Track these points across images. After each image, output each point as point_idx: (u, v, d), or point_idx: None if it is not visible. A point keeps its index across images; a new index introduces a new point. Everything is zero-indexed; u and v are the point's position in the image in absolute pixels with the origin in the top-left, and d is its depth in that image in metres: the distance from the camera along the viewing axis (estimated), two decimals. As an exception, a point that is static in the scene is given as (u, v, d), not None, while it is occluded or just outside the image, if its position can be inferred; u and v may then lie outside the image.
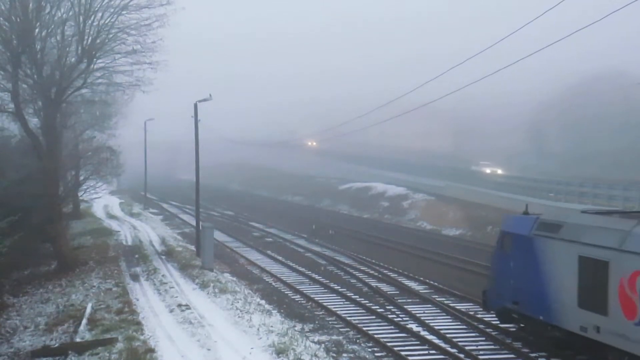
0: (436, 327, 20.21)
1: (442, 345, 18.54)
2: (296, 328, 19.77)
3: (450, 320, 21.37)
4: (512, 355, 17.79)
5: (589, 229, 16.05)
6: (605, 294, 14.97)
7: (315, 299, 24.53)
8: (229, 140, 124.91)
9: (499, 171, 60.62)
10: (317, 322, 21.25)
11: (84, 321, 19.99)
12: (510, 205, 43.62)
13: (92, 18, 28.91)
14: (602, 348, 15.43)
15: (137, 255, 32.69)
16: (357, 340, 19.19)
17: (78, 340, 18.41)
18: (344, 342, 18.85)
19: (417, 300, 24.04)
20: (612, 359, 15.35)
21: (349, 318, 21.53)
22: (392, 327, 20.66)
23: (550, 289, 16.95)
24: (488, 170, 61.42)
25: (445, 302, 23.44)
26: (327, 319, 21.82)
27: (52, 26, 28.86)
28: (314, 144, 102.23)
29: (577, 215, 17.61)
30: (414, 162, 73.87)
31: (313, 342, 18.10)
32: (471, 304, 23.03)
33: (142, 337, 17.70)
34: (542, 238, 17.31)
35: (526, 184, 50.50)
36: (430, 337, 19.35)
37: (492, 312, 20.25)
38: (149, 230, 44.43)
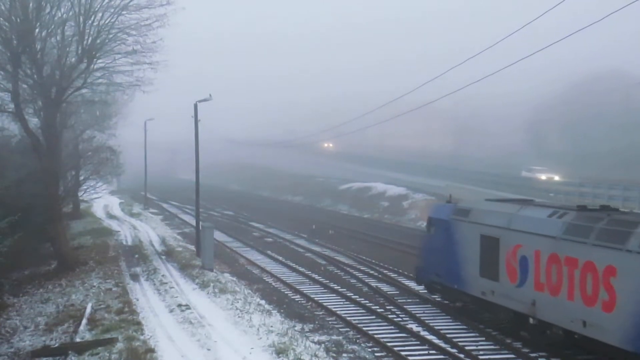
0: (436, 327, 20.23)
1: (442, 345, 18.55)
2: (296, 328, 19.78)
3: (450, 320, 21.38)
4: (512, 355, 17.79)
5: (488, 213, 20.14)
6: (497, 265, 19.06)
7: (315, 299, 24.53)
8: (229, 140, 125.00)
9: (556, 177, 52.82)
10: (317, 322, 21.25)
11: (84, 321, 20.00)
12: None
13: (92, 18, 28.92)
14: (496, 308, 19.52)
15: (137, 255, 32.70)
16: (357, 340, 19.20)
17: (78, 340, 18.42)
18: (344, 342, 18.86)
19: (417, 300, 24.04)
20: (502, 316, 19.48)
21: (349, 318, 21.54)
22: (392, 327, 20.67)
23: (461, 262, 20.88)
24: (543, 177, 53.66)
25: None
26: (327, 319, 21.82)
27: (52, 26, 28.87)
28: (331, 145, 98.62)
29: (482, 203, 22.14)
30: (414, 162, 73.95)
31: (313, 342, 18.11)
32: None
33: (142, 337, 17.71)
34: (456, 221, 21.26)
35: (526, 183, 50.53)
36: (430, 337, 19.36)
37: (422, 285, 23.79)
38: (149, 230, 44.44)
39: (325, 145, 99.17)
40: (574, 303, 16.34)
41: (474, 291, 20.39)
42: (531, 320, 18.02)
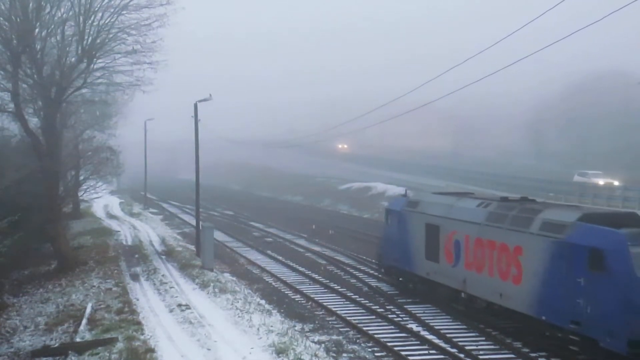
0: (436, 327, 20.23)
1: (442, 345, 18.55)
2: (296, 328, 19.79)
3: (450, 320, 21.38)
4: (512, 355, 17.80)
5: (432, 204, 23.53)
6: (437, 249, 22.44)
7: (315, 298, 24.54)
8: (229, 140, 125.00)
9: (615, 182, 48.55)
10: (317, 321, 21.26)
11: (84, 321, 19.99)
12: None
13: (92, 18, 28.89)
14: (437, 285, 22.98)
15: (137, 255, 32.69)
16: (357, 340, 19.20)
17: (78, 340, 18.42)
18: (344, 342, 18.87)
19: (417, 300, 24.03)
20: (440, 291, 22.88)
21: (349, 318, 21.55)
22: (392, 326, 20.67)
23: (411, 248, 24.16)
24: (601, 182, 48.56)
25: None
26: (327, 318, 21.83)
27: (52, 26, 28.84)
28: (345, 147, 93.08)
29: (428, 195, 25.80)
30: (414, 162, 73.96)
31: (313, 342, 18.12)
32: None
33: (142, 337, 17.71)
34: (407, 212, 24.67)
35: (526, 183, 50.57)
36: (430, 336, 19.36)
37: (382, 269, 27.15)
38: (149, 230, 44.43)
39: (340, 146, 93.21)
40: (493, 279, 19.78)
41: (420, 272, 23.83)
42: (463, 295, 21.55)
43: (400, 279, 25.59)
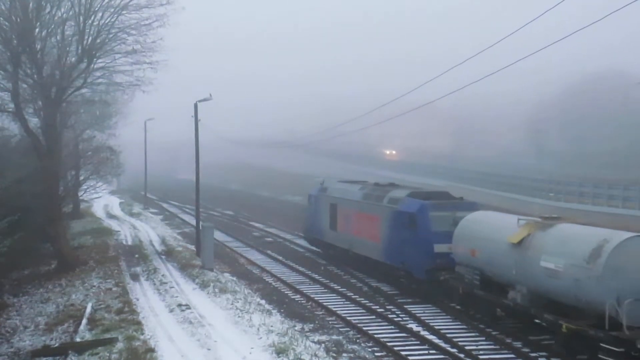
0: (436, 327, 20.23)
1: (442, 345, 18.55)
2: (296, 328, 19.78)
3: (450, 320, 21.38)
4: (512, 355, 17.81)
5: (334, 189, 32.86)
6: (336, 221, 31.06)
7: (315, 298, 24.54)
8: (229, 140, 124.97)
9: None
10: (317, 321, 21.26)
11: (84, 321, 20.00)
12: (508, 205, 43.66)
13: (92, 18, 28.90)
14: (335, 248, 31.49)
15: (137, 255, 32.69)
16: (357, 340, 19.20)
17: (78, 340, 18.43)
18: (344, 341, 18.87)
19: (417, 300, 24.03)
20: (333, 252, 32.00)
21: (349, 318, 21.55)
22: (392, 326, 20.68)
23: (322, 222, 32.84)
24: None
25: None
26: (327, 318, 21.83)
27: (52, 26, 28.85)
28: (394, 153, 79.82)
29: (334, 183, 34.68)
30: (414, 162, 73.88)
31: (313, 341, 18.11)
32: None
33: (142, 337, 17.71)
34: (320, 195, 33.77)
35: (527, 183, 50.55)
36: (430, 336, 19.36)
37: (307, 240, 36.36)
38: (149, 230, 44.43)
39: (388, 152, 79.75)
40: (367, 240, 27.97)
41: (327, 239, 32.63)
42: (350, 253, 29.81)
43: (320, 246, 34.44)
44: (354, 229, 29.36)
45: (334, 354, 17.46)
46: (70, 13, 28.86)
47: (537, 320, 18.78)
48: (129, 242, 38.29)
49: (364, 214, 28.38)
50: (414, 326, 20.51)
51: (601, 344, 15.48)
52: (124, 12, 29.10)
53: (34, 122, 31.69)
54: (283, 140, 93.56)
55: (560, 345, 17.12)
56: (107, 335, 18.15)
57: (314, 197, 34.47)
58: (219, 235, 39.07)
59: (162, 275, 27.16)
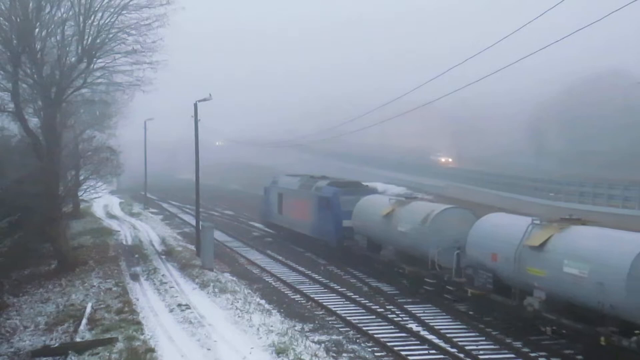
0: (436, 327, 20.23)
1: (442, 345, 18.55)
2: (296, 328, 19.79)
3: (450, 320, 21.39)
4: (512, 355, 17.81)
5: (281, 182, 41.15)
6: (282, 207, 38.85)
7: (315, 298, 24.54)
8: (229, 140, 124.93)
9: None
10: (317, 321, 21.26)
11: (84, 321, 19.99)
12: (508, 205, 43.63)
13: (92, 18, 28.88)
14: (281, 227, 39.90)
15: (137, 255, 32.68)
16: (357, 340, 19.20)
17: (78, 340, 18.42)
18: (344, 341, 18.87)
19: (417, 300, 24.04)
20: (282, 232, 39.91)
21: (349, 318, 21.55)
22: (392, 326, 20.68)
23: (272, 207, 40.93)
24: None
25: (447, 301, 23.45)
26: (327, 318, 21.83)
27: (52, 26, 28.84)
28: (450, 160, 72.10)
29: (282, 176, 43.18)
30: (414, 162, 73.81)
31: (313, 341, 18.11)
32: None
33: (142, 337, 17.70)
34: (272, 186, 42.03)
35: (526, 183, 50.53)
36: (430, 336, 19.36)
37: (263, 224, 44.77)
38: (149, 230, 44.42)
39: (443, 160, 72.30)
40: (301, 220, 35.98)
41: (276, 222, 41.02)
42: (288, 232, 38.54)
43: (273, 228, 42.49)
44: (293, 212, 37.82)
45: (334, 354, 17.47)
46: (70, 13, 28.87)
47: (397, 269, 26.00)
48: (129, 242, 38.28)
49: (299, 200, 36.77)
50: (414, 326, 20.51)
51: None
52: (124, 12, 29.09)
53: (34, 122, 31.68)
54: (284, 140, 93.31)
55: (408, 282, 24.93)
56: (107, 335, 18.13)
57: (267, 188, 43.24)
58: (219, 235, 39.07)
59: (162, 275, 27.15)
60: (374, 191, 34.14)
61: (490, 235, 20.67)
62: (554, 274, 17.36)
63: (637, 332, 14.88)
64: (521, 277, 18.75)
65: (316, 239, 34.22)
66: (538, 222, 19.06)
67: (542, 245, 17.98)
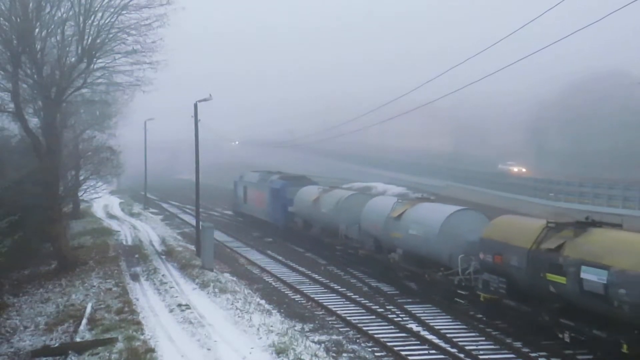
0: (436, 327, 20.23)
1: (442, 345, 18.55)
2: (296, 328, 19.78)
3: (450, 320, 21.38)
4: (512, 355, 17.81)
5: (246, 177, 49.83)
6: (246, 198, 48.28)
7: (315, 298, 24.54)
8: (228, 140, 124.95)
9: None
10: (317, 321, 21.26)
11: (84, 321, 19.98)
12: (508, 205, 43.67)
13: (92, 18, 28.84)
14: (246, 215, 48.78)
15: (137, 255, 32.68)
16: (357, 340, 19.19)
17: (78, 340, 18.41)
18: (344, 341, 18.86)
19: (417, 300, 24.04)
20: (247, 219, 48.49)
21: (349, 318, 21.54)
22: (392, 326, 20.67)
23: (240, 199, 49.89)
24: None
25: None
26: (327, 318, 21.83)
27: (52, 26, 28.80)
28: (523, 170, 64.69)
29: (247, 173, 50.77)
30: (414, 162, 73.82)
31: (313, 341, 18.10)
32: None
33: (142, 337, 17.69)
34: (239, 181, 50.73)
35: (526, 183, 50.56)
36: (430, 336, 19.36)
37: (235, 213, 52.37)
38: (149, 230, 44.43)
39: (516, 170, 65.87)
40: (259, 208, 44.44)
41: (243, 210, 49.15)
42: (251, 218, 46.45)
43: (241, 217, 50.26)
44: (254, 201, 46.20)
45: (334, 354, 17.46)
46: (70, 13, 28.82)
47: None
48: (129, 242, 38.28)
49: (258, 191, 45.15)
50: (414, 326, 20.50)
51: None
52: (124, 12, 29.04)
53: (34, 122, 31.65)
54: (283, 140, 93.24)
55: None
56: (107, 335, 18.12)
57: (236, 182, 51.76)
58: (219, 235, 39.07)
59: (162, 276, 27.14)
60: (313, 183, 41.64)
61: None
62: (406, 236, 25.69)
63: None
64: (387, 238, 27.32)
65: (270, 223, 42.80)
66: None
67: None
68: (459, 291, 22.15)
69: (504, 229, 20.01)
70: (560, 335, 17.50)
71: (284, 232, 40.45)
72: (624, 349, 15.04)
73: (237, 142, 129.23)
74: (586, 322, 16.43)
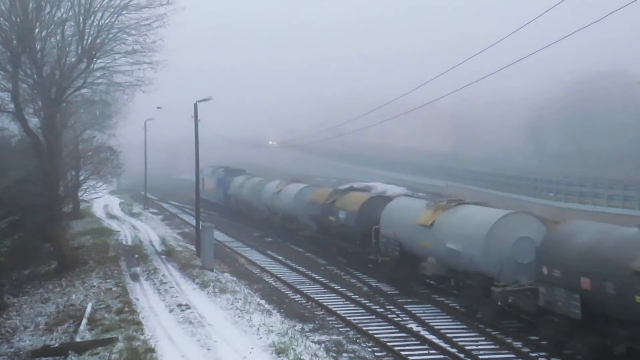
0: (436, 327, 20.24)
1: (442, 345, 18.55)
2: (296, 328, 19.78)
3: (450, 320, 21.39)
4: (512, 355, 17.81)
5: (205, 171, 58.60)
6: (204, 186, 58.20)
7: (315, 298, 24.55)
8: (228, 140, 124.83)
9: None
10: (317, 321, 21.27)
11: (84, 321, 19.97)
12: (508, 205, 43.63)
13: (92, 18, 28.84)
14: (205, 201, 55.72)
15: (137, 255, 32.67)
16: (357, 340, 19.20)
17: (78, 340, 18.40)
18: (344, 341, 18.86)
19: (417, 300, 24.04)
20: (231, 212, 56.04)
21: (349, 318, 21.55)
22: (392, 326, 20.68)
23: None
24: None
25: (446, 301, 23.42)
26: (327, 318, 21.83)
27: (52, 26, 28.79)
28: None
29: (206, 167, 59.41)
30: (414, 162, 73.81)
31: (313, 341, 18.11)
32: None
33: (142, 337, 17.69)
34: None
35: (526, 183, 50.55)
36: (430, 336, 19.36)
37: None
38: (149, 230, 44.42)
39: None
40: (212, 193, 60.20)
41: (217, 201, 58.83)
42: (208, 202, 59.08)
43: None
44: (209, 189, 59.48)
45: (334, 354, 17.47)
46: (70, 13, 28.82)
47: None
48: (129, 242, 38.27)
49: (211, 180, 59.95)
50: (414, 326, 20.51)
51: None
52: (124, 12, 29.03)
53: (34, 122, 31.64)
54: (284, 140, 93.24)
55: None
56: (107, 335, 18.12)
57: (205, 177, 61.04)
58: (219, 236, 39.07)
59: (162, 276, 27.14)
60: (244, 172, 57.11)
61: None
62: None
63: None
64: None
65: (217, 204, 58.62)
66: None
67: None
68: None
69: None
70: None
71: (226, 210, 56.27)
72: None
73: (271, 142, 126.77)
74: None
